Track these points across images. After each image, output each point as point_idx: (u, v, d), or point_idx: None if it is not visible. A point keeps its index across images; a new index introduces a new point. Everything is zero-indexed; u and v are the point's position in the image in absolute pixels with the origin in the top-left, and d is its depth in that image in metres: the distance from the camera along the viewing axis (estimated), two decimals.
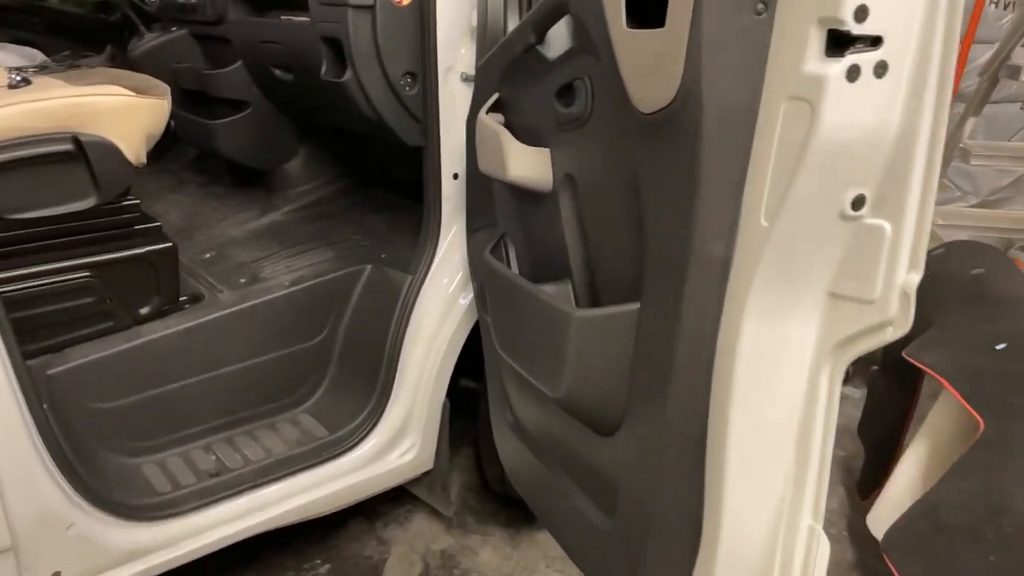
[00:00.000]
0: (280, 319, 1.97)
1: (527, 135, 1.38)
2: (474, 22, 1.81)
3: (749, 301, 0.97)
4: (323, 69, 1.91)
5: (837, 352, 0.97)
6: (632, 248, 1.14)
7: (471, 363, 2.01)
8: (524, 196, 1.46)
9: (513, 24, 1.60)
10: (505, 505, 2.39)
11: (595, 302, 1.32)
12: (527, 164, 1.36)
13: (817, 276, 0.94)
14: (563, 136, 1.30)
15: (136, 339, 1.76)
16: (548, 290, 1.35)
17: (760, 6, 0.88)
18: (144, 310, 1.81)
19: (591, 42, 1.14)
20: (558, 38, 1.32)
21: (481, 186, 1.64)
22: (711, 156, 0.93)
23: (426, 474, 2.10)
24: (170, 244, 1.82)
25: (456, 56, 1.88)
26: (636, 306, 1.09)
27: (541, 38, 1.31)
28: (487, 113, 1.49)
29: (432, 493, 2.17)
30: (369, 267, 2.07)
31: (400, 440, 2.00)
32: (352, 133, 2.46)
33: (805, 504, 1.03)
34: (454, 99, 1.90)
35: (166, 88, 1.83)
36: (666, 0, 0.96)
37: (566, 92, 1.29)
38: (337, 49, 1.87)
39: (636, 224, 1.12)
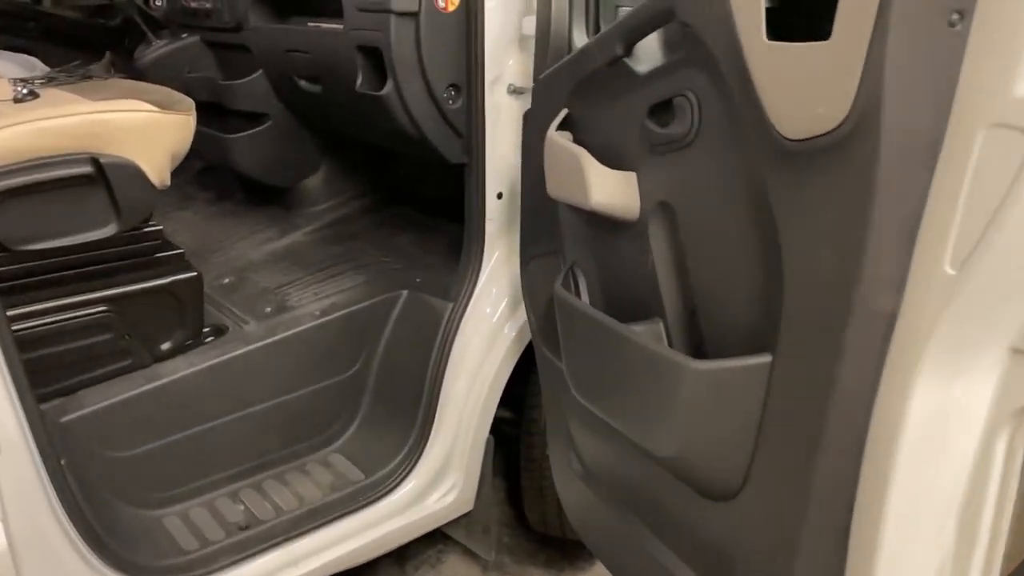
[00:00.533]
0: (311, 352, 1.81)
1: (606, 157, 1.24)
2: (526, 30, 1.67)
3: (924, 359, 0.83)
4: (359, 81, 1.76)
5: (1019, 418, 0.83)
6: (754, 291, 1.00)
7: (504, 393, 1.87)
8: (602, 224, 1.31)
9: (578, 33, 1.45)
10: (544, 543, 2.24)
11: (695, 346, 1.17)
12: (612, 190, 1.22)
13: (1004, 330, 0.80)
14: (656, 159, 1.16)
15: (157, 380, 1.59)
16: (637, 330, 1.20)
17: (955, 16, 0.74)
18: (165, 346, 1.64)
19: (703, 55, 1.00)
20: (647, 50, 1.18)
21: (542, 210, 1.50)
22: (888, 191, 0.79)
23: (465, 515, 1.95)
24: (195, 274, 1.66)
25: (503, 66, 1.74)
26: (767, 359, 0.95)
27: (630, 49, 1.16)
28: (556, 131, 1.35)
29: (471, 535, 2.02)
30: (405, 293, 1.91)
31: (441, 481, 1.85)
32: (376, 147, 2.31)
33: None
34: (500, 113, 1.76)
35: (191, 103, 1.67)
36: (823, 9, 0.82)
37: (661, 110, 1.15)
38: (375, 59, 1.71)
39: (763, 264, 0.97)
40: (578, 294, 1.39)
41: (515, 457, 2.08)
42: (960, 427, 0.85)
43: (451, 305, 1.83)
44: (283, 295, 1.93)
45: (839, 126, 0.80)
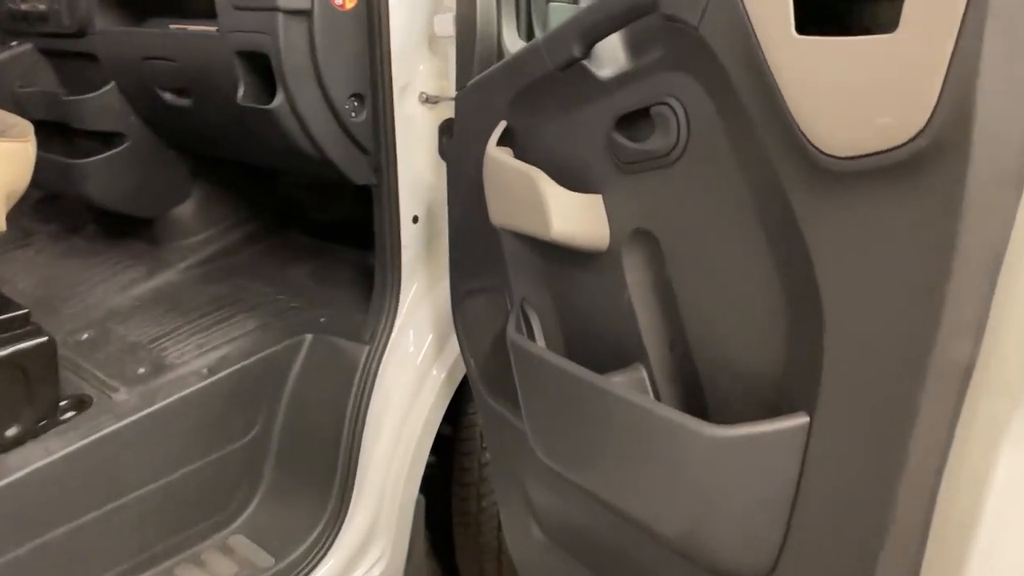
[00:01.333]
0: (200, 419, 1.51)
1: (561, 177, 1.04)
2: (439, 29, 1.45)
3: (1013, 417, 0.68)
4: (240, 92, 1.48)
5: None
6: (773, 334, 0.83)
7: None
8: (560, 255, 1.12)
9: (509, 33, 1.25)
10: None
11: (686, 394, 1.00)
12: (576, 217, 1.02)
13: None
14: (628, 179, 0.97)
15: (3, 476, 1.26)
16: (617, 380, 1.01)
17: None
18: (11, 431, 1.30)
19: (694, 55, 0.83)
20: (610, 50, 0.99)
21: (478, 239, 1.28)
22: (975, 217, 0.63)
23: None
24: (45, 339, 1.33)
25: (413, 72, 1.51)
26: (803, 420, 0.79)
27: (589, 50, 0.97)
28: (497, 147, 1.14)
29: None
30: (309, 338, 1.64)
31: (365, 553, 1.59)
32: (255, 166, 2.01)
33: None
34: (411, 125, 1.53)
35: (27, 126, 1.34)
36: None
37: (631, 121, 0.96)
38: (260, 66, 1.44)
39: (786, 303, 0.81)
40: (531, 336, 1.19)
41: (443, 506, 1.85)
42: None
43: (367, 348, 1.58)
44: (159, 351, 1.61)
45: (912, 140, 0.63)
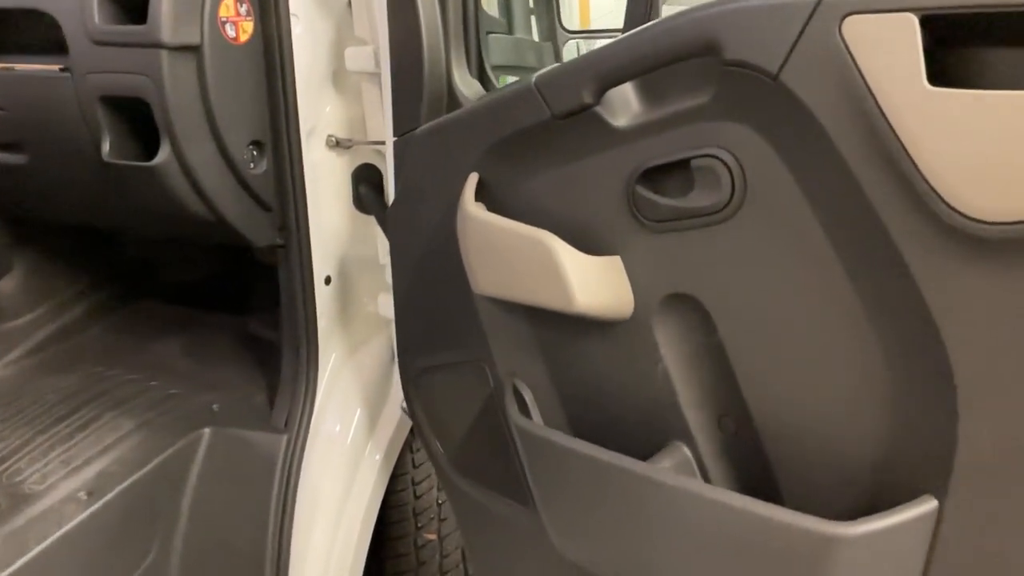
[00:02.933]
0: (84, 558, 1.19)
1: (562, 237, 0.91)
2: (352, 64, 1.25)
3: None
4: (105, 147, 1.19)
5: None
6: (880, 410, 0.75)
7: None
8: (560, 323, 0.98)
9: (459, 70, 1.08)
10: None
11: (742, 477, 0.90)
12: (599, 285, 0.89)
13: None
14: (656, 238, 0.86)
15: None
16: (664, 467, 0.89)
17: None
18: None
19: (763, 105, 0.73)
20: (624, 95, 0.87)
21: (442, 309, 1.11)
22: None
23: None
24: None
25: (320, 114, 1.30)
26: (931, 505, 0.71)
27: (601, 96, 0.85)
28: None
29: None
30: (206, 433, 1.36)
31: None
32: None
33: None
34: (320, 174, 1.32)
35: None
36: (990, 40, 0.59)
37: (659, 175, 0.85)
38: (132, 114, 1.17)
39: (898, 376, 0.73)
40: (525, 415, 1.03)
41: None
42: None
43: (284, 438, 1.34)
44: (11, 474, 1.26)
45: None
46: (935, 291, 0.67)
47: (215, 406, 1.43)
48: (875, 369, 0.74)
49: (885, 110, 0.65)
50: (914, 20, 0.61)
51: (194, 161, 1.17)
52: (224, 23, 1.15)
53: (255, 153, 1.25)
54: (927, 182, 0.64)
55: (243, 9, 1.17)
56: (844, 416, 0.77)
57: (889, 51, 0.63)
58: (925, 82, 0.62)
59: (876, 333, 0.73)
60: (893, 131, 0.65)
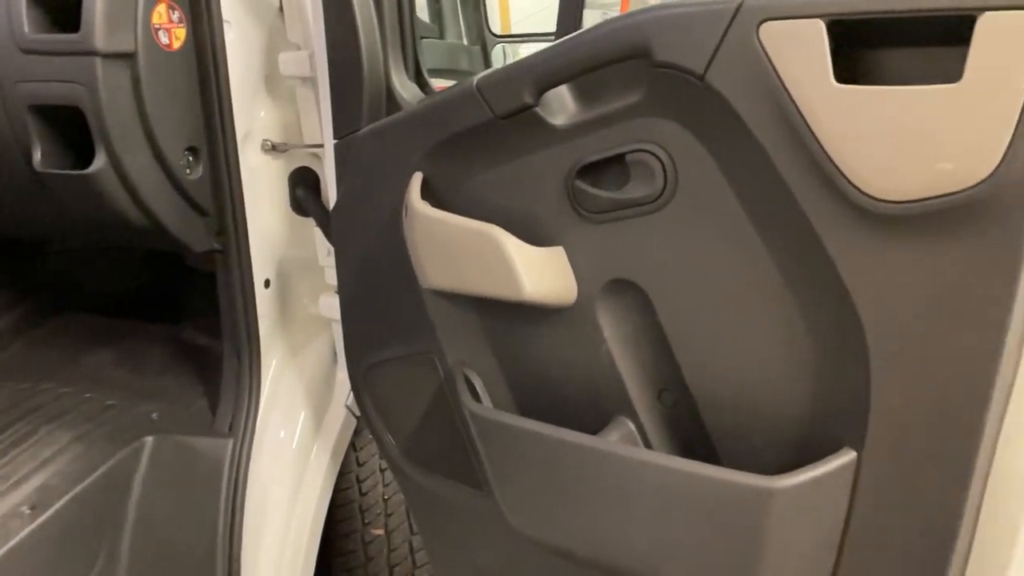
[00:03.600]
0: (28, 570, 1.17)
1: (507, 230, 0.96)
2: (286, 69, 1.27)
3: None
4: (37, 156, 1.17)
5: None
6: (804, 375, 0.83)
7: None
8: (506, 313, 1.03)
9: (398, 73, 1.12)
10: None
11: (682, 445, 0.97)
12: (546, 274, 0.94)
13: None
14: (596, 228, 0.92)
15: None
16: (612, 440, 0.96)
17: None
18: None
19: (686, 102, 0.80)
20: (561, 96, 0.93)
21: (389, 305, 1.14)
22: None
23: None
24: None
25: (254, 118, 1.32)
26: (851, 456, 0.79)
27: (539, 97, 0.91)
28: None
29: None
30: (149, 441, 1.35)
31: None
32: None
33: None
34: (256, 178, 1.34)
35: None
36: (935, 41, 0.68)
37: (596, 169, 0.91)
38: (64, 122, 1.15)
39: (818, 343, 0.81)
40: (476, 401, 1.08)
41: None
42: None
43: (229, 442, 1.35)
44: None
45: (976, 185, 0.66)
46: (847, 265, 0.75)
47: (154, 415, 1.42)
48: (798, 339, 0.82)
49: (799, 106, 0.72)
50: (822, 25, 0.69)
51: (130, 168, 1.17)
52: (157, 30, 1.15)
53: (191, 159, 1.26)
54: (837, 168, 0.72)
55: (175, 16, 1.18)
56: (772, 383, 0.86)
57: (801, 53, 0.71)
58: (832, 80, 0.70)
59: (798, 306, 0.81)
60: (807, 124, 0.72)
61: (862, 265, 0.74)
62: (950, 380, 0.73)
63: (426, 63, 1.23)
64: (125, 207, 1.20)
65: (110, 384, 1.53)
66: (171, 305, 1.75)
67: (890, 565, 0.81)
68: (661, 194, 0.86)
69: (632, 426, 0.98)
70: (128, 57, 1.12)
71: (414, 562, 1.56)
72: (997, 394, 0.72)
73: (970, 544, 0.79)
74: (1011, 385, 0.74)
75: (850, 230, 0.74)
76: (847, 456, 0.79)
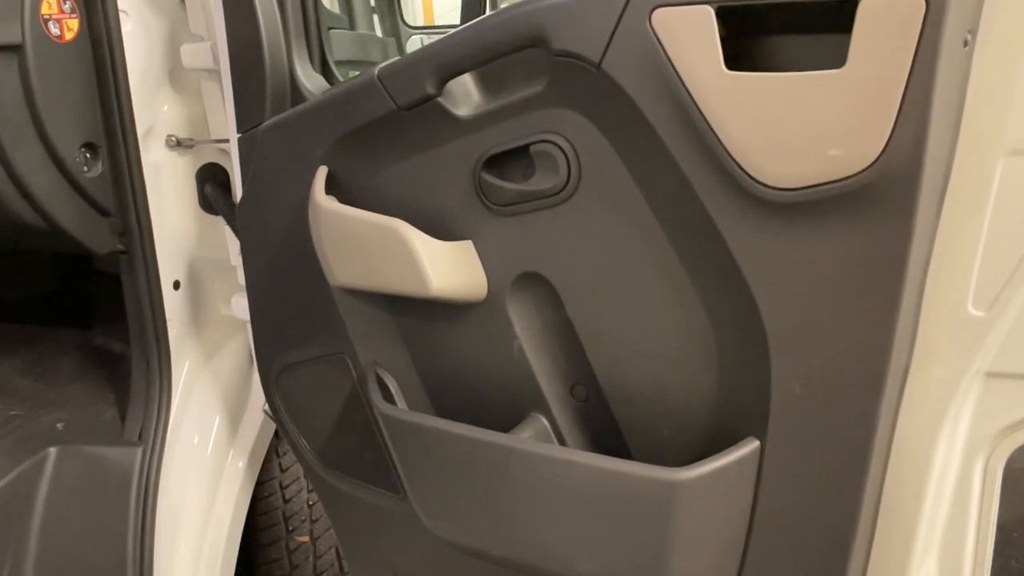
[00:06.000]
0: None
1: (414, 225, 0.94)
2: (189, 61, 1.23)
3: (949, 408, 0.75)
4: None
5: (1000, 440, 0.81)
6: (705, 364, 0.82)
7: None
8: (418, 310, 1.01)
9: (302, 64, 1.08)
10: None
11: (595, 440, 0.95)
12: (453, 269, 0.92)
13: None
14: (504, 222, 0.90)
15: None
16: (526, 437, 0.94)
17: (968, 36, 0.66)
18: None
19: (586, 92, 0.79)
20: (464, 87, 0.91)
21: (298, 305, 1.11)
22: (920, 237, 0.68)
23: None
24: None
25: (157, 113, 1.27)
26: (754, 445, 0.79)
27: (443, 87, 0.88)
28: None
29: None
30: (52, 452, 1.29)
31: None
32: None
33: None
34: (161, 176, 1.29)
35: None
36: (825, 29, 0.68)
37: (502, 161, 0.90)
38: None
39: (720, 332, 0.81)
40: (390, 402, 1.05)
41: None
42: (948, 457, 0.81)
43: (138, 451, 1.29)
44: None
45: (864, 169, 0.66)
46: (743, 253, 0.75)
47: (60, 424, 1.36)
48: (702, 329, 0.82)
49: (691, 93, 0.72)
50: (711, 11, 0.68)
51: (21, 167, 1.11)
52: (47, 21, 1.09)
53: (88, 156, 1.20)
54: (730, 156, 0.71)
55: (67, 6, 1.12)
56: (678, 374, 0.85)
57: (691, 40, 0.70)
58: (723, 67, 0.70)
59: (700, 296, 0.81)
60: (700, 111, 0.72)
61: (757, 253, 0.74)
62: (845, 366, 0.73)
63: (334, 54, 1.19)
64: (17, 207, 1.14)
65: (16, 394, 1.46)
66: (83, 310, 1.67)
67: (795, 553, 0.81)
68: (565, 185, 0.85)
69: (545, 422, 0.96)
70: (15, 49, 1.06)
71: (341, 568, 1.53)
72: (891, 379, 0.72)
73: (872, 531, 0.80)
74: (906, 369, 0.75)
75: (745, 218, 0.74)
76: (750, 446, 0.79)
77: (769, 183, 0.71)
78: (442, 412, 1.05)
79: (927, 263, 0.71)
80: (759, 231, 0.73)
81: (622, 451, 0.91)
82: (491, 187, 0.90)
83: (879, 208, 0.68)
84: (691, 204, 0.76)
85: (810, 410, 0.76)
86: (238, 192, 1.16)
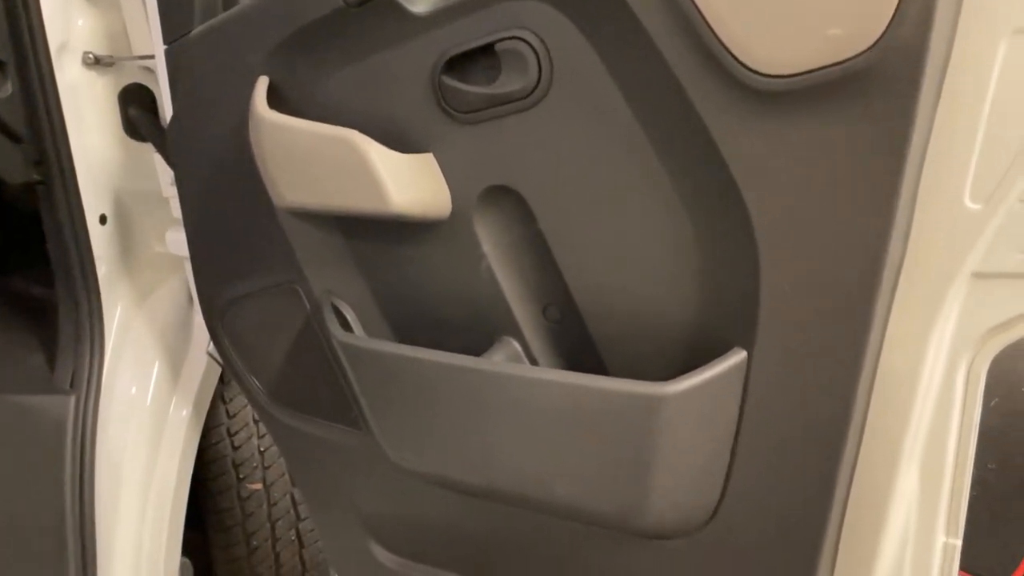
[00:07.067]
0: None
1: (370, 136, 0.86)
2: None
3: (943, 310, 0.72)
4: None
5: (985, 342, 0.79)
6: (688, 272, 0.78)
7: None
8: (375, 231, 0.93)
9: None
10: None
11: (570, 361, 0.90)
12: (414, 183, 0.85)
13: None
14: (468, 131, 0.83)
15: None
16: (497, 360, 0.88)
17: None
18: None
19: None
20: None
21: (242, 231, 1.02)
22: (921, 125, 0.64)
23: None
24: None
25: (71, 27, 1.14)
26: (741, 356, 0.75)
27: None
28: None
29: None
30: None
31: None
32: None
33: (939, 519, 0.86)
34: (79, 97, 1.17)
35: None
36: None
37: (464, 63, 0.82)
38: None
39: (705, 241, 0.76)
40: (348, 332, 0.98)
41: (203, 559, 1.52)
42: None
43: (72, 399, 1.19)
44: None
45: (865, 51, 0.61)
46: (731, 149, 0.69)
47: None
48: (685, 236, 0.77)
49: None
50: None
51: None
52: None
53: None
54: (720, 41, 0.66)
55: None
56: (659, 286, 0.80)
57: None
58: None
59: (683, 202, 0.76)
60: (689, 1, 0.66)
61: (747, 148, 0.69)
62: (840, 263, 0.69)
63: None
64: None
65: None
66: None
67: (781, 465, 0.78)
68: (535, 87, 0.78)
69: (517, 345, 0.91)
70: None
71: (297, 515, 1.47)
72: (887, 275, 0.69)
73: (860, 440, 0.78)
74: (899, 267, 0.71)
75: (734, 110, 0.68)
76: (737, 356, 0.75)
77: (762, 70, 0.65)
78: (405, 340, 0.98)
79: (924, 152, 0.67)
80: (749, 125, 0.68)
81: (598, 371, 0.87)
82: (452, 92, 0.82)
83: (879, 94, 0.63)
84: (675, 100, 0.70)
85: (800, 315, 0.72)
86: (167, 114, 1.06)
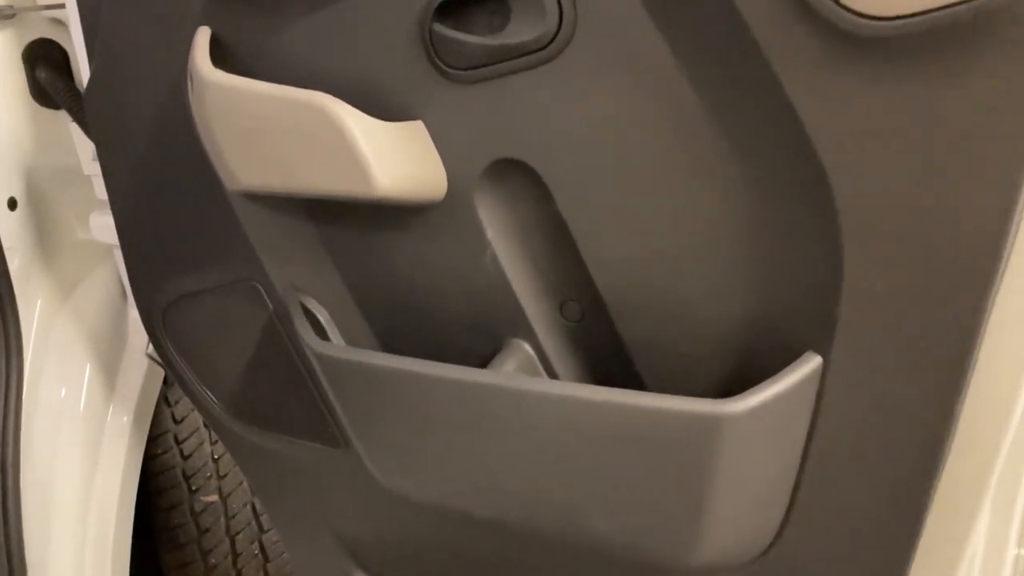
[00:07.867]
0: None
1: (343, 99, 0.69)
2: None
3: None
4: None
5: None
6: (755, 265, 0.64)
7: None
8: (351, 217, 0.77)
9: None
10: None
11: (593, 368, 0.77)
12: (406, 160, 0.69)
13: None
14: (468, 91, 0.67)
15: None
16: (507, 369, 0.74)
17: None
18: None
19: None
20: None
21: (183, 219, 0.84)
22: None
23: None
24: None
25: None
26: (816, 362, 0.62)
27: None
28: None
29: None
30: None
31: None
32: None
33: (1012, 530, 0.77)
34: None
35: None
36: None
37: (460, 7, 0.66)
38: None
39: (773, 222, 0.62)
40: (322, 337, 0.83)
41: None
42: None
43: None
44: None
45: None
46: (813, 112, 0.55)
47: None
48: (745, 220, 0.63)
49: None
50: None
51: None
52: None
53: None
54: None
55: None
56: (707, 277, 0.67)
57: None
58: None
59: (744, 177, 0.62)
60: None
61: (833, 112, 0.55)
62: (947, 255, 0.57)
63: None
64: None
65: None
66: None
67: (859, 485, 0.66)
68: (556, 35, 0.62)
69: (530, 349, 0.77)
70: None
71: (260, 527, 1.31)
72: (1000, 269, 0.56)
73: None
74: (1007, 259, 0.59)
75: (819, 64, 0.54)
76: (813, 362, 0.62)
77: (864, 10, 0.51)
78: (391, 347, 0.83)
79: None
80: (839, 83, 0.54)
81: (629, 381, 0.73)
82: (448, 43, 0.66)
83: (1009, 43, 0.49)
84: (739, 49, 0.56)
85: (895, 314, 0.60)
86: (84, 76, 0.87)
